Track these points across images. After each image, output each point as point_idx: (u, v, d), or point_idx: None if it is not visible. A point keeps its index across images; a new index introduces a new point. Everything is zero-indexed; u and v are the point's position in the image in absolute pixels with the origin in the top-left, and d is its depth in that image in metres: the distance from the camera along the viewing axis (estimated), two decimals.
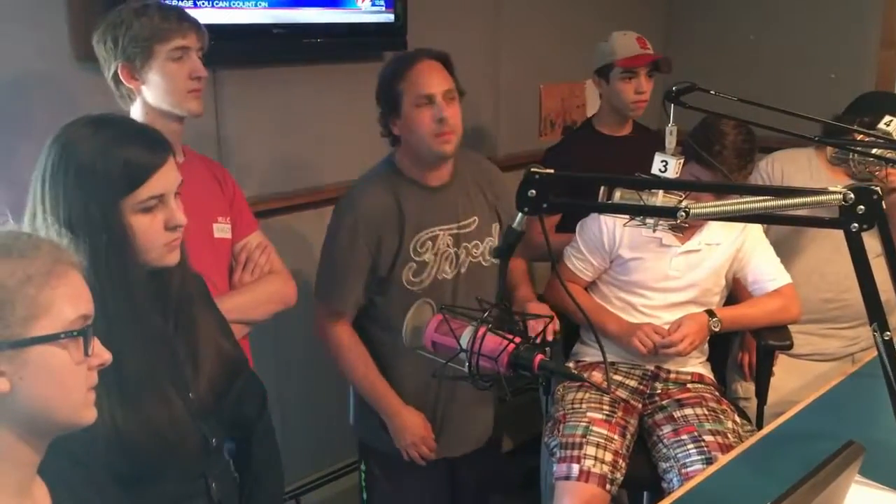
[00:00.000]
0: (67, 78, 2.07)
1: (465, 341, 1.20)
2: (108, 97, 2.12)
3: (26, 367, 0.99)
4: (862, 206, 1.09)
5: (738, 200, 1.13)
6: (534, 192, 1.16)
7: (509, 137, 3.26)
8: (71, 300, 1.03)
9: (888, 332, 1.15)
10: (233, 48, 2.34)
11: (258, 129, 2.50)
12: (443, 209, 2.09)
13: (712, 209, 1.14)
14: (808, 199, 1.11)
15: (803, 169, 2.54)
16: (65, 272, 1.04)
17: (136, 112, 1.77)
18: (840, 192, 1.10)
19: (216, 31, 2.24)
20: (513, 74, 3.19)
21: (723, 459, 1.72)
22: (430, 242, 2.07)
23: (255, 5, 2.34)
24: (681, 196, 1.49)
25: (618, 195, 1.49)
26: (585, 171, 2.16)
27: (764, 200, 1.12)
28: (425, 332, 1.24)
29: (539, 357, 1.18)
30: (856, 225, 1.11)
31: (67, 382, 1.02)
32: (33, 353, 0.99)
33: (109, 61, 1.74)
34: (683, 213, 1.11)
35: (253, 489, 1.58)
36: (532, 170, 1.16)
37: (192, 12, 2.15)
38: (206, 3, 2.24)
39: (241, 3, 2.31)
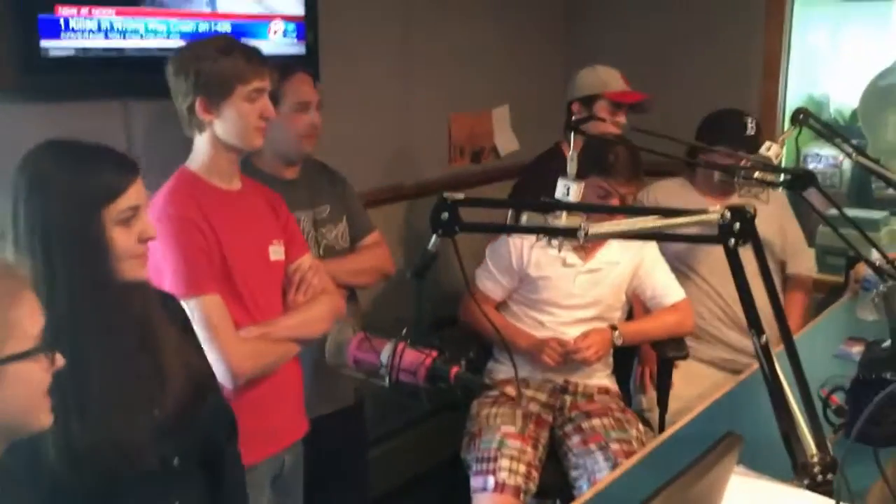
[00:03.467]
0: None
1: (385, 357, 1.28)
2: (20, 126, 2.12)
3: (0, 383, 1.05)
4: (737, 224, 1.23)
5: (633, 220, 1.25)
6: (446, 214, 1.25)
7: (421, 164, 3.36)
8: (31, 318, 1.09)
9: (764, 336, 1.28)
10: (144, 79, 2.35)
11: (169, 162, 2.50)
12: (299, 197, 2.31)
13: (610, 229, 1.25)
14: (692, 219, 1.24)
15: (675, 195, 2.76)
16: (21, 291, 1.09)
17: (202, 141, 1.89)
18: (718, 212, 1.23)
19: (127, 61, 2.30)
20: (423, 104, 3.29)
21: (626, 464, 1.84)
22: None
23: (168, 36, 2.37)
24: (583, 217, 1.62)
25: (524, 218, 1.61)
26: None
27: (655, 220, 1.24)
28: (347, 350, 1.32)
29: (455, 369, 1.27)
30: (733, 241, 1.24)
31: (35, 392, 1.09)
32: (8, 370, 1.05)
33: (188, 92, 1.83)
34: (583, 233, 1.22)
35: None
36: (445, 195, 1.26)
37: (102, 42, 2.22)
38: (117, 35, 2.26)
39: (152, 35, 2.33)
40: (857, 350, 2.25)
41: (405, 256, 3.24)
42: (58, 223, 1.31)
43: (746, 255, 2.73)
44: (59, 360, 1.13)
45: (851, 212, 2.96)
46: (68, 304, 1.28)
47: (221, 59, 1.82)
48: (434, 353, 1.27)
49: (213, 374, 1.60)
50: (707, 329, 2.77)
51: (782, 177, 2.15)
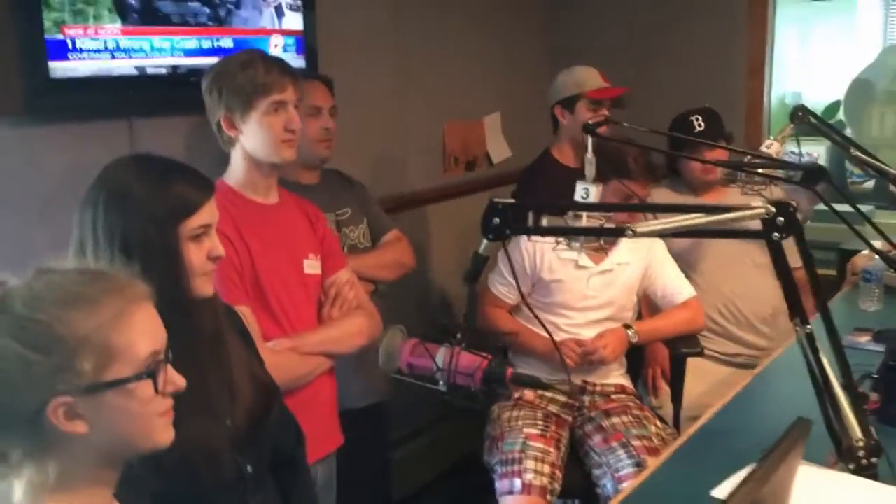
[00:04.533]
0: None
1: (440, 361, 1.30)
2: (28, 149, 2.11)
3: (102, 409, 1.02)
4: (781, 218, 1.26)
5: (679, 218, 1.28)
6: (498, 220, 1.27)
7: (416, 174, 3.38)
8: (144, 337, 1.05)
9: (808, 326, 1.32)
10: (149, 97, 2.36)
11: None
12: (321, 201, 2.30)
13: (657, 227, 1.28)
14: (736, 215, 1.27)
15: (666, 195, 2.81)
16: (135, 309, 1.06)
17: (236, 157, 1.91)
18: (763, 207, 1.27)
19: (132, 81, 2.29)
20: (419, 114, 3.32)
21: (657, 461, 1.86)
22: None
23: (171, 54, 2.37)
24: (602, 219, 1.65)
25: (545, 221, 1.64)
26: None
27: (699, 217, 1.28)
28: (401, 355, 1.33)
29: (510, 370, 1.29)
30: (776, 234, 1.27)
31: (142, 417, 1.06)
32: (108, 396, 1.02)
33: (214, 110, 1.87)
34: (631, 232, 1.25)
35: None
36: (495, 200, 1.28)
37: (108, 63, 2.21)
38: (122, 54, 2.25)
39: (156, 53, 2.33)
40: (865, 340, 2.31)
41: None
42: (136, 235, 1.33)
43: (747, 247, 2.77)
44: (176, 380, 1.10)
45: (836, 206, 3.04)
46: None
47: (240, 73, 1.83)
48: (489, 356, 1.29)
49: (276, 385, 1.61)
50: (710, 325, 2.81)
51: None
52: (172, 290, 1.34)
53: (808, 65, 5.79)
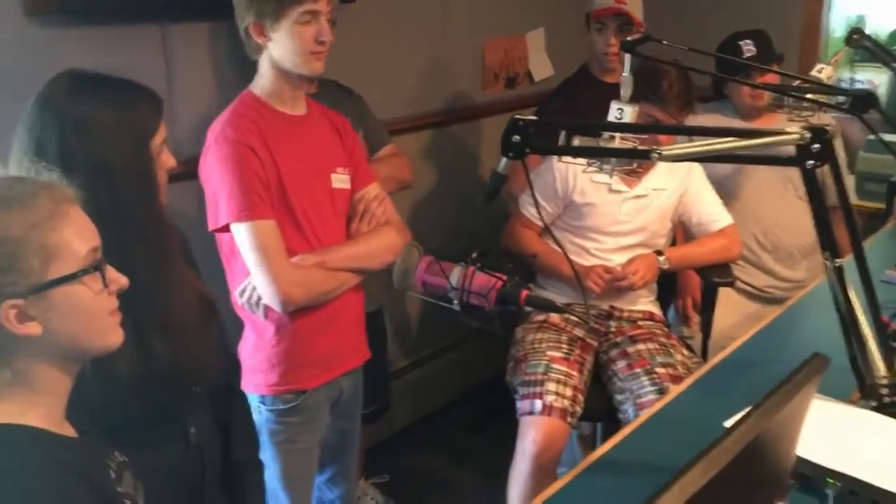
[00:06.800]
0: (17, 33, 2.02)
1: (454, 280, 1.28)
2: (61, 50, 2.10)
3: (52, 308, 1.04)
4: (817, 145, 1.20)
5: (708, 141, 1.22)
6: (518, 138, 1.22)
7: (457, 90, 3.31)
8: (79, 236, 1.07)
9: (838, 259, 1.26)
10: (184, 2, 2.33)
11: (210, 86, 2.48)
12: None
13: (685, 150, 1.23)
14: (769, 140, 1.21)
15: (713, 121, 2.72)
16: (67, 210, 1.07)
17: (263, 65, 1.86)
18: (797, 133, 1.20)
19: None
20: (459, 28, 3.23)
21: (676, 389, 1.85)
22: None
23: None
24: (636, 141, 1.59)
25: (576, 141, 1.58)
26: (586, 115, 2.24)
27: (729, 141, 1.22)
28: (415, 273, 1.31)
29: (525, 292, 1.26)
30: (811, 162, 1.21)
31: (92, 314, 1.09)
32: (56, 294, 1.04)
33: (244, 15, 1.81)
34: (657, 154, 1.20)
35: (231, 444, 1.59)
36: (516, 117, 1.23)
37: None
38: None
39: None
40: None
41: (448, 180, 3.25)
42: (114, 158, 1.31)
43: (792, 177, 2.69)
44: (119, 278, 1.12)
45: (889, 137, 2.90)
46: (137, 235, 1.30)
47: None
48: (504, 277, 1.26)
49: (217, 308, 1.61)
50: (745, 254, 2.75)
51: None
52: (152, 207, 1.35)
53: None
